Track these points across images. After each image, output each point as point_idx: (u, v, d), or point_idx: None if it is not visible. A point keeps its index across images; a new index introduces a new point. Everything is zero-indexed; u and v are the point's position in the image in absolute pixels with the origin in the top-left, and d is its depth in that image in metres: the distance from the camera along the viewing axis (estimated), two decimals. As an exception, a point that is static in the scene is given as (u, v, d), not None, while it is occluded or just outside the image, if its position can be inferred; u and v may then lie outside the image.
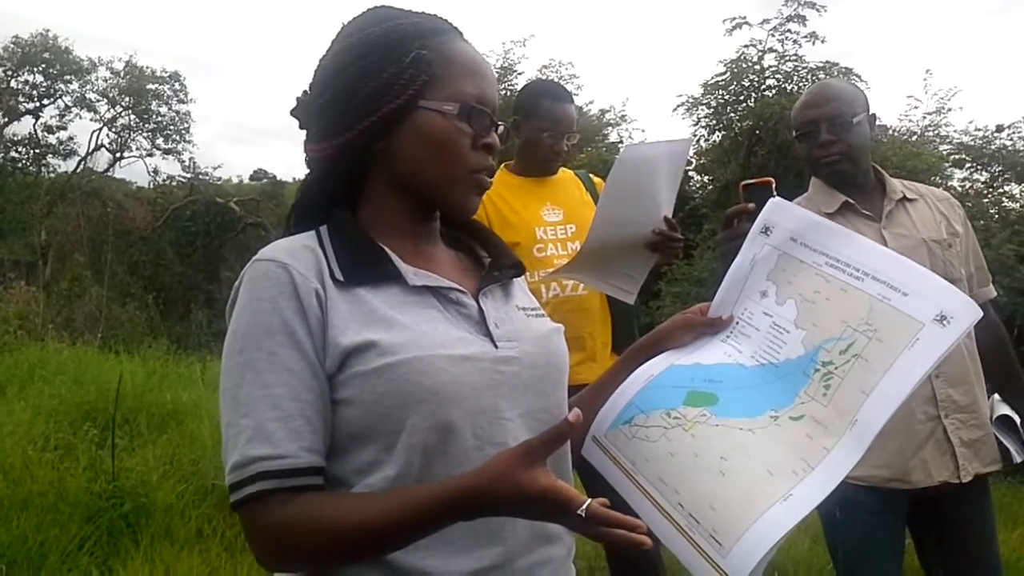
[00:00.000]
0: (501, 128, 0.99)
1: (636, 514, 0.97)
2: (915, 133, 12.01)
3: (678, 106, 12.47)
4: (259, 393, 0.84)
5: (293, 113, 1.01)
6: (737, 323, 1.06)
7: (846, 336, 0.91)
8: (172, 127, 21.21)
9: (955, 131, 11.96)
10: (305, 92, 1.01)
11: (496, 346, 0.93)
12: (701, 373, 1.01)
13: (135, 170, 26.64)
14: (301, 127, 1.01)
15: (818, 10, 11.64)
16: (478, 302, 0.96)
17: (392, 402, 0.84)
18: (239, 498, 0.83)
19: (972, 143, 11.60)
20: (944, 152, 11.45)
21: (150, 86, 20.66)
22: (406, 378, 0.84)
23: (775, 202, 1.09)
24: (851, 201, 1.93)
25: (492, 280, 1.01)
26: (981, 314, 0.86)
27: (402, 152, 0.95)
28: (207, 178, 21.03)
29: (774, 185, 1.32)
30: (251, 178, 25.11)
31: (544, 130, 2.32)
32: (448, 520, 0.81)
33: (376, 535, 0.81)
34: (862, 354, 0.89)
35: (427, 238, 1.02)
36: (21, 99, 20.04)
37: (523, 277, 1.10)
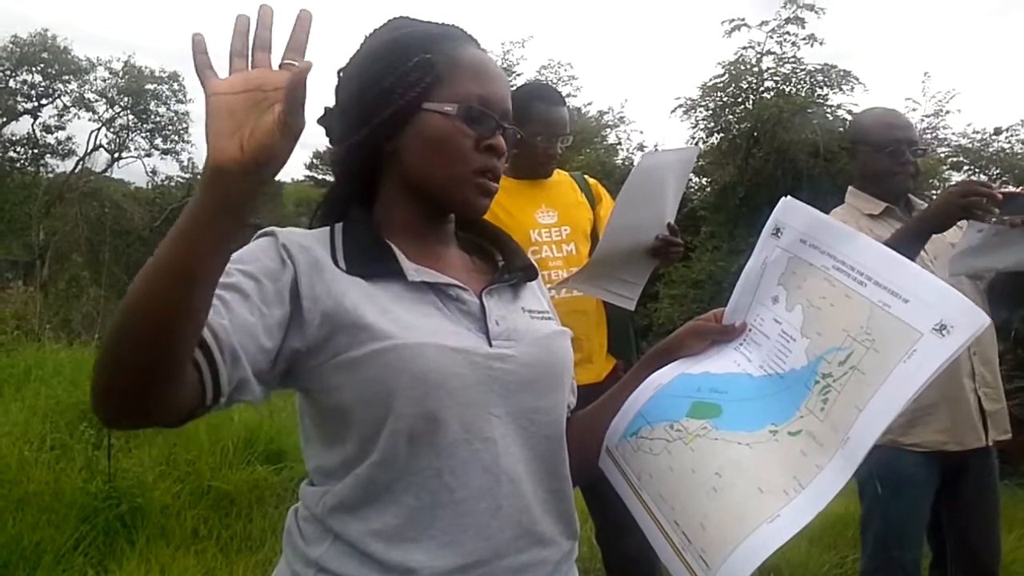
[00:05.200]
0: (510, 131, 0.99)
1: (644, 531, 0.96)
2: (913, 136, 12.02)
3: (676, 108, 12.48)
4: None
5: (320, 122, 1.03)
6: (750, 330, 1.02)
7: (845, 346, 0.87)
8: (171, 127, 21.23)
9: (953, 134, 12.00)
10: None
11: (491, 344, 0.93)
12: (708, 383, 0.98)
13: (133, 170, 26.68)
14: (327, 135, 1.03)
15: (816, 12, 11.66)
16: (481, 300, 0.96)
17: (379, 387, 0.85)
18: None
19: (970, 146, 11.63)
20: (942, 155, 11.47)
21: (149, 86, 20.66)
22: (394, 364, 0.85)
23: (786, 201, 1.03)
24: (892, 206, 2.23)
25: (500, 281, 1.01)
26: (987, 322, 0.79)
27: (409, 153, 0.96)
28: (205, 178, 21.00)
29: None
30: (249, 178, 24.97)
31: (537, 134, 2.32)
32: (207, 194, 0.71)
33: (157, 260, 0.75)
34: (859, 366, 0.85)
35: (439, 239, 1.02)
36: (19, 99, 20.04)
37: (538, 281, 1.09)
